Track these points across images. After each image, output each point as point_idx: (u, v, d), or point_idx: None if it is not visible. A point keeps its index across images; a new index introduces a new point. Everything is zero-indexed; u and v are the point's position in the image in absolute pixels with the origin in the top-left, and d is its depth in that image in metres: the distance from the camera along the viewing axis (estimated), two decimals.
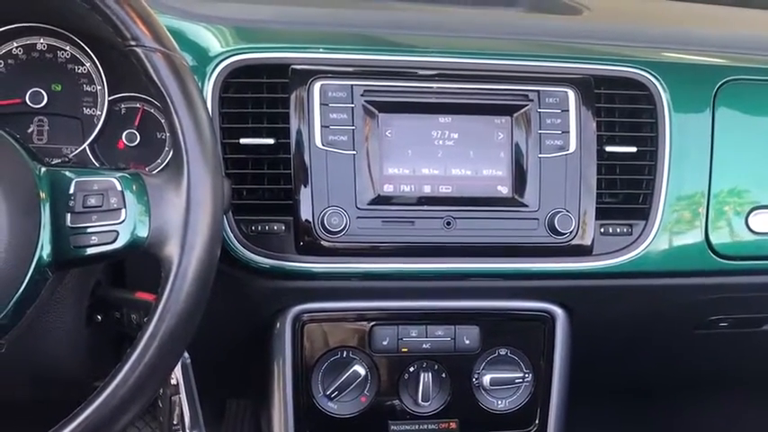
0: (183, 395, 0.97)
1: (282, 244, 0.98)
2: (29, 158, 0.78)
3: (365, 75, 0.99)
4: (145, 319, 0.91)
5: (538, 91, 1.02)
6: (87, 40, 1.02)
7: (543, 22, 1.22)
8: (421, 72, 1.01)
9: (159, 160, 1.04)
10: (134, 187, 0.77)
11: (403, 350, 1.05)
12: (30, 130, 1.02)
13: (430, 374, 1.05)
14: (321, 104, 0.98)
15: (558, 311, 1.08)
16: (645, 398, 1.39)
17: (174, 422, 1.00)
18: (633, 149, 1.04)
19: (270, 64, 0.99)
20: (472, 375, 1.07)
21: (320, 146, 0.97)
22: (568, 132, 1.02)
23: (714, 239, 1.05)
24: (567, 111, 1.02)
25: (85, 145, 1.03)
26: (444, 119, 1.01)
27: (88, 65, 1.03)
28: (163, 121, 1.05)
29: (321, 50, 1.00)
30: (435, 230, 0.99)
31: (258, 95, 0.99)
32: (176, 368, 0.94)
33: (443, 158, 1.00)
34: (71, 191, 0.77)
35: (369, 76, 0.99)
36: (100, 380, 1.08)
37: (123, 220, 0.76)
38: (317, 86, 0.98)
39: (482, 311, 1.07)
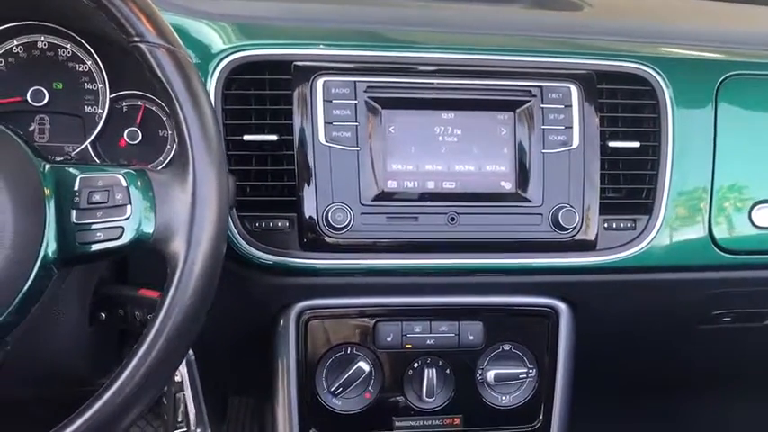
0: (187, 392, 0.97)
1: (286, 240, 0.98)
2: (33, 155, 0.78)
3: (368, 71, 0.99)
4: (149, 316, 0.92)
5: (540, 87, 1.02)
6: (88, 39, 1.02)
7: (545, 18, 1.22)
8: (424, 68, 1.01)
9: (161, 158, 1.04)
10: (139, 183, 0.77)
11: (407, 346, 1.05)
12: (31, 129, 1.02)
13: (434, 370, 1.05)
14: (324, 101, 0.97)
15: (562, 307, 1.08)
16: (647, 394, 1.39)
17: (179, 419, 1.00)
18: (636, 144, 1.04)
19: (272, 60, 0.99)
20: (476, 371, 1.07)
21: (323, 142, 0.97)
22: (571, 128, 1.02)
23: (717, 234, 1.05)
24: (570, 106, 1.02)
25: (87, 143, 1.02)
26: (447, 115, 1.01)
27: (89, 63, 1.03)
28: (165, 119, 1.05)
29: (323, 47, 1.00)
30: (439, 226, 0.99)
31: (261, 92, 0.98)
32: (181, 365, 0.94)
33: (447, 154, 1.00)
34: (76, 187, 0.77)
35: (372, 73, 0.99)
36: (103, 378, 1.09)
37: (129, 217, 0.76)
38: (319, 83, 0.98)
39: (486, 307, 1.07)
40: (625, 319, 1.14)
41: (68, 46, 1.02)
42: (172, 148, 1.04)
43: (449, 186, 1.00)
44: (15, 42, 1.01)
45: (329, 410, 1.05)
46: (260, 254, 0.97)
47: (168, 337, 0.73)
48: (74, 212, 0.76)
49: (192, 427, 0.97)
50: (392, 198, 0.99)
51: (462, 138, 1.01)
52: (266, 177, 0.98)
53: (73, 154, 1.02)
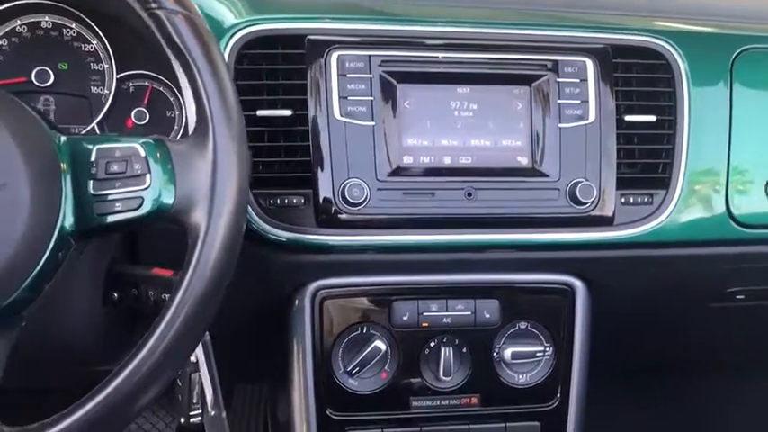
0: (203, 372, 0.95)
1: (301, 217, 0.96)
2: (48, 128, 0.77)
3: (383, 45, 0.98)
4: (163, 296, 0.90)
5: (556, 61, 1.01)
6: (94, 18, 1.00)
7: None
8: (439, 42, 1.00)
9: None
10: (158, 153, 0.76)
11: (423, 325, 1.04)
12: None
13: (451, 349, 1.04)
14: (339, 75, 0.96)
15: (578, 284, 1.07)
16: (657, 374, 1.38)
17: (194, 401, 0.98)
18: (652, 118, 1.03)
19: (285, 35, 0.97)
20: (493, 349, 1.06)
21: (338, 117, 0.96)
22: (587, 102, 1.01)
23: (735, 208, 1.05)
24: (586, 80, 1.01)
25: (94, 124, 1.01)
26: (463, 89, 1.00)
27: (95, 43, 1.01)
28: (172, 99, 1.04)
29: (337, 20, 0.99)
30: (456, 202, 0.98)
31: (274, 67, 0.97)
32: None
33: (462, 129, 0.99)
34: (93, 158, 0.75)
35: (386, 47, 0.98)
36: (113, 360, 1.07)
37: (148, 186, 0.74)
38: (334, 57, 0.96)
39: (502, 285, 1.06)
40: (639, 297, 1.13)
41: (73, 25, 1.00)
42: (180, 129, 1.03)
43: (465, 162, 0.99)
44: (19, 22, 0.99)
45: (345, 391, 1.04)
46: (275, 231, 0.96)
47: (190, 308, 0.72)
48: (91, 183, 0.75)
49: (209, 410, 0.95)
50: (408, 174, 0.97)
51: (478, 112, 1.00)
52: (280, 153, 0.97)
53: None
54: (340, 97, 0.96)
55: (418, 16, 1.02)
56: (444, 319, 1.04)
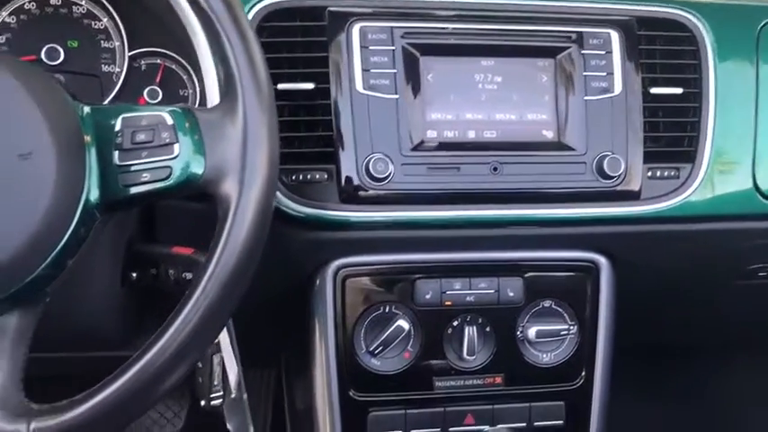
0: (226, 353, 0.93)
1: (324, 193, 0.94)
2: (70, 99, 0.74)
3: (405, 16, 0.96)
4: (183, 275, 0.88)
5: (581, 32, 0.99)
6: None
7: None
8: (462, 13, 0.98)
9: None
10: (186, 122, 0.73)
11: (446, 303, 1.02)
12: None
13: (474, 328, 1.02)
14: (361, 47, 0.94)
15: (602, 261, 1.06)
16: (684, 354, 1.36)
17: (215, 383, 0.96)
18: (679, 91, 1.01)
19: (306, 6, 0.95)
20: (516, 328, 1.04)
21: (361, 90, 0.93)
22: (613, 74, 0.99)
23: (762, 182, 1.03)
24: (611, 52, 1.00)
25: (106, 103, 0.98)
26: (487, 62, 0.98)
27: (105, 20, 0.98)
28: (185, 77, 1.01)
29: None
30: (482, 176, 0.96)
31: (294, 39, 0.94)
32: None
33: (487, 103, 0.97)
34: (118, 127, 0.73)
35: (409, 18, 0.96)
36: (130, 342, 1.05)
37: (176, 156, 0.71)
38: (356, 29, 0.94)
39: (525, 262, 1.04)
40: (663, 274, 1.11)
41: (83, 2, 0.98)
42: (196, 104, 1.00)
43: (490, 136, 0.97)
44: None
45: (368, 371, 1.02)
46: (297, 207, 0.93)
47: (222, 282, 0.69)
48: (116, 154, 0.72)
49: (233, 391, 0.93)
50: (432, 148, 0.95)
51: (502, 85, 0.98)
52: (301, 128, 0.94)
53: None
54: (362, 70, 0.94)
55: None
56: (467, 298, 1.02)
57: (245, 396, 0.99)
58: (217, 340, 0.92)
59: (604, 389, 1.08)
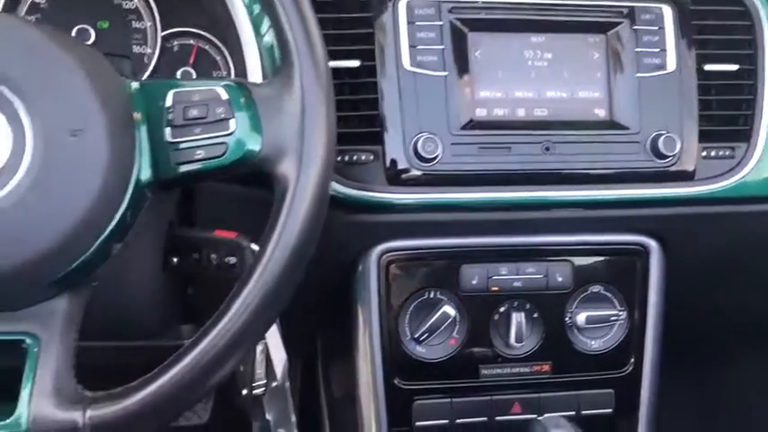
0: (271, 341, 0.90)
1: (371, 174, 0.91)
2: (118, 75, 0.70)
3: None
4: (226, 259, 0.84)
5: (632, 7, 0.96)
6: None
7: None
8: None
9: None
10: (241, 96, 0.70)
11: (493, 289, 0.99)
12: None
13: (522, 314, 0.99)
14: (408, 23, 0.91)
15: (653, 244, 1.02)
16: (734, 343, 1.32)
17: (258, 370, 0.93)
18: (734, 68, 0.98)
19: None
20: (565, 314, 1.01)
21: (408, 67, 0.90)
22: (665, 50, 0.96)
23: None
24: (663, 28, 0.96)
25: None
26: (536, 38, 0.94)
27: (136, 0, 0.95)
28: (218, 58, 0.98)
29: None
30: (534, 156, 0.93)
31: (340, 15, 0.91)
32: None
33: (537, 80, 0.94)
34: (169, 103, 0.69)
35: None
36: (168, 331, 1.02)
37: (232, 132, 0.68)
38: (402, 4, 0.91)
39: (574, 246, 1.01)
40: (714, 258, 1.08)
41: None
42: None
43: (540, 114, 0.94)
44: None
45: (413, 359, 0.98)
46: (342, 189, 0.90)
47: (282, 264, 0.66)
48: (168, 130, 0.68)
49: (278, 379, 0.89)
50: (483, 127, 0.92)
51: (553, 62, 0.94)
52: (346, 107, 0.90)
53: None
54: (410, 46, 0.90)
55: None
56: (515, 283, 0.99)
57: (287, 384, 0.96)
58: None
59: (654, 376, 1.05)
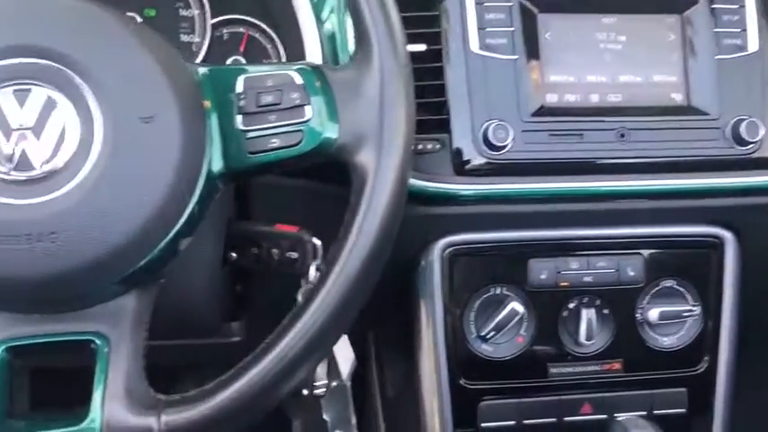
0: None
1: (436, 164, 0.87)
2: (184, 61, 0.67)
3: None
4: (288, 254, 0.80)
5: None
6: None
7: None
8: None
9: None
10: (317, 81, 0.65)
11: (562, 284, 0.94)
12: None
13: (593, 311, 0.94)
14: (476, 3, 0.86)
15: (728, 236, 0.97)
16: None
17: (318, 369, 0.88)
18: None
19: None
20: (636, 310, 0.96)
21: (477, 51, 0.86)
22: (746, 30, 0.91)
23: None
24: (744, 6, 0.91)
25: None
26: (609, 19, 0.90)
27: None
28: (269, 46, 0.94)
29: None
30: (608, 144, 0.88)
31: None
32: None
33: (610, 64, 0.89)
34: (240, 89, 0.65)
35: None
36: (222, 328, 0.98)
37: (308, 119, 0.64)
38: None
39: (646, 239, 0.96)
40: None
41: None
42: None
43: (614, 99, 0.89)
44: None
45: (479, 358, 0.94)
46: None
47: (364, 255, 0.62)
48: (239, 118, 0.64)
49: (344, 379, 0.85)
50: (554, 113, 0.88)
51: (627, 45, 0.90)
52: None
53: None
54: (478, 28, 0.86)
55: None
56: (585, 278, 0.94)
57: (348, 384, 0.92)
58: None
59: (730, 374, 1.00)
